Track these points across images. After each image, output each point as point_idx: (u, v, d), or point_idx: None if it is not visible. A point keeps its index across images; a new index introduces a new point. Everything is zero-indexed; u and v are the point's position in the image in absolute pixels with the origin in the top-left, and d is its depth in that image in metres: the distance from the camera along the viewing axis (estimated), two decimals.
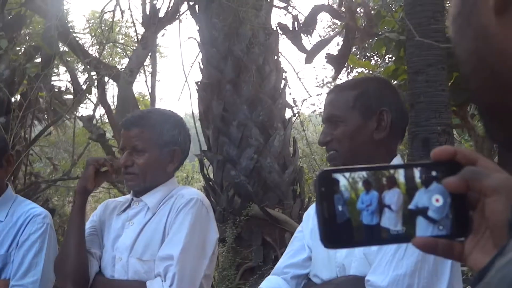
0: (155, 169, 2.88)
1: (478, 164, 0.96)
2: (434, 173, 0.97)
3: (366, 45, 10.54)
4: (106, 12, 10.65)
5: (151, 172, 2.87)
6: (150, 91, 9.90)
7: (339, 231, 0.95)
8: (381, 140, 2.29)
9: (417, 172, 0.97)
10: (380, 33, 7.99)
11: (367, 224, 0.95)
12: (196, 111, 8.73)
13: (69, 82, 10.80)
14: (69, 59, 10.92)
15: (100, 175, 2.99)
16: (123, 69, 9.69)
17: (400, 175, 0.97)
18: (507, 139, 0.82)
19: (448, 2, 9.01)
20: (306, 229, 2.52)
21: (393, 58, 8.21)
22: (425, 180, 0.97)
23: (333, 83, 16.68)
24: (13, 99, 8.84)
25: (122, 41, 16.48)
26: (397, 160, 2.37)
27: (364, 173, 0.96)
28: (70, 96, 11.23)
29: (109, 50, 16.58)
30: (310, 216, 2.54)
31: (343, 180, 0.94)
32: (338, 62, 7.93)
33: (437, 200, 0.96)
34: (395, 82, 7.97)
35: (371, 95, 2.34)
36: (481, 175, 0.93)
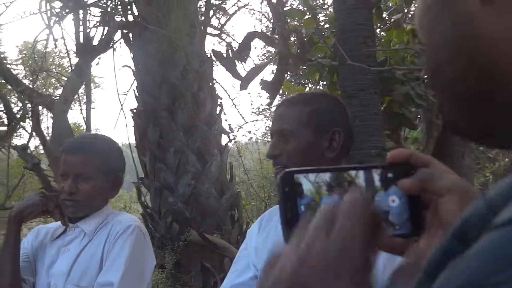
0: (98, 196, 2.85)
1: (431, 166, 1.00)
2: (390, 175, 1.00)
3: (300, 72, 10.64)
4: (39, 42, 10.58)
5: (94, 199, 2.84)
6: (85, 120, 9.84)
7: None
8: (331, 159, 2.26)
9: (376, 175, 1.00)
10: (313, 59, 8.08)
11: None
12: (132, 139, 8.72)
13: (2, 111, 10.64)
14: (2, 90, 10.77)
15: (42, 212, 2.91)
16: (57, 98, 9.61)
17: (360, 178, 0.99)
18: (474, 127, 0.85)
19: (377, 28, 9.22)
20: (250, 247, 2.48)
21: (327, 84, 8.31)
22: (384, 183, 1.00)
23: (268, 110, 16.83)
24: None
25: (56, 71, 16.35)
26: None
27: (326, 177, 0.98)
28: (3, 128, 11.07)
29: (42, 81, 16.42)
30: (254, 232, 2.50)
31: (306, 183, 0.97)
32: (272, 88, 8.01)
33: (393, 201, 1.00)
34: None
35: (324, 112, 2.31)
36: (435, 177, 0.97)
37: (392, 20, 8.82)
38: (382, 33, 9.51)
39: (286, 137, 2.28)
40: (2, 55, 10.85)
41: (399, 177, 1.00)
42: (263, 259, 2.36)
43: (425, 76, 7.07)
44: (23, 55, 15.60)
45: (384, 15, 9.35)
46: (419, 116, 8.31)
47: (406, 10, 8.81)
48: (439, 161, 1.02)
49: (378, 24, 9.11)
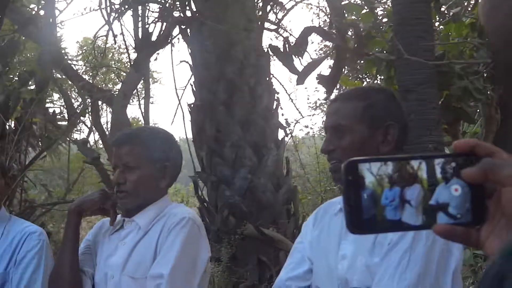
0: (147, 186, 2.88)
1: (496, 157, 1.00)
2: (453, 165, 1.01)
3: (357, 66, 10.60)
4: (99, 38, 10.74)
5: (143, 188, 2.87)
6: (143, 115, 9.96)
7: (364, 222, 0.99)
8: (385, 153, 2.24)
9: (438, 168, 1.01)
10: (370, 53, 8.03)
11: (390, 219, 0.99)
12: (190, 134, 8.78)
13: (63, 107, 10.84)
14: (63, 84, 10.97)
15: (100, 209, 3.00)
16: (116, 93, 9.75)
17: (423, 170, 1.01)
18: None
19: (436, 21, 9.12)
20: (305, 241, 2.49)
21: (384, 78, 8.25)
22: (445, 174, 1.01)
23: (325, 105, 16.77)
24: (7, 124, 8.88)
25: (115, 67, 16.54)
26: None
27: (389, 169, 1.00)
28: (64, 123, 11.26)
29: (102, 76, 16.65)
30: (309, 227, 2.51)
31: (369, 176, 0.99)
32: (329, 83, 7.99)
33: (455, 190, 1.01)
34: None
35: (379, 107, 2.30)
36: (499, 166, 0.97)
37: (451, 13, 8.72)
38: (440, 26, 9.40)
39: (341, 132, 2.27)
40: (63, 51, 11.02)
41: (463, 167, 1.01)
42: (318, 252, 2.40)
43: (485, 70, 6.98)
44: (83, 51, 15.85)
45: (442, 9, 9.24)
46: (478, 110, 8.20)
47: (465, 3, 8.70)
48: (504, 152, 1.02)
49: (437, 18, 9.01)
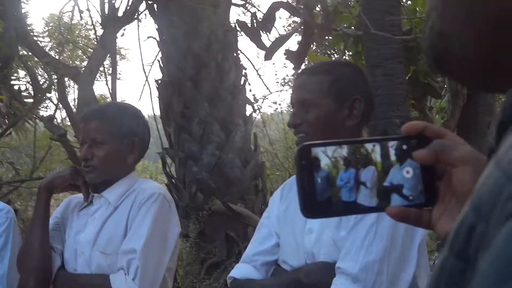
0: (115, 161, 2.89)
1: (446, 138, 1.03)
2: (405, 147, 1.03)
3: (325, 42, 10.60)
4: (65, 13, 10.63)
5: (111, 164, 2.88)
6: (111, 92, 9.89)
7: (319, 204, 1.00)
8: (351, 127, 2.28)
9: (391, 150, 1.03)
10: (338, 29, 8.05)
11: (345, 200, 1.00)
12: (158, 111, 8.75)
13: (29, 83, 10.73)
14: (28, 61, 10.85)
15: (71, 185, 2.99)
16: (83, 70, 9.66)
17: (376, 153, 1.02)
18: (480, 60, 0.76)
19: None
20: (272, 215, 2.51)
21: (352, 53, 8.28)
22: (399, 156, 1.03)
23: (293, 81, 16.80)
24: None
25: (82, 43, 16.40)
26: None
27: (343, 151, 1.01)
28: (30, 100, 11.16)
29: (69, 53, 16.49)
30: (276, 202, 2.53)
31: (324, 158, 0.99)
32: (297, 58, 7.99)
33: (407, 172, 1.03)
34: None
35: (345, 81, 2.32)
36: (449, 148, 1.00)
37: None
38: (408, 2, 9.44)
39: (307, 107, 2.29)
40: (28, 28, 10.89)
41: (414, 149, 1.02)
42: (285, 227, 2.42)
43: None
44: (50, 27, 15.67)
45: None
46: (445, 85, 8.26)
47: None
48: (453, 134, 1.07)
49: None
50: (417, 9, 7.98)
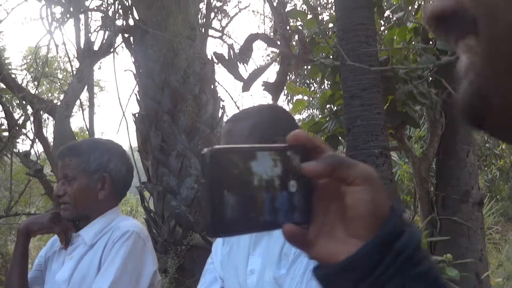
0: (85, 197, 2.87)
1: (327, 153, 0.94)
2: (290, 157, 0.94)
3: (303, 72, 10.63)
4: (41, 47, 10.57)
5: (81, 200, 2.86)
6: (88, 125, 9.83)
7: (227, 221, 0.89)
8: None
9: (278, 160, 0.93)
10: (315, 59, 8.05)
11: (252, 217, 0.90)
12: (135, 143, 8.71)
13: (4, 118, 10.65)
14: (4, 95, 10.79)
15: (49, 229, 2.96)
16: (59, 103, 9.61)
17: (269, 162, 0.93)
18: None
19: (380, 26, 9.18)
20: (216, 260, 2.51)
21: (330, 83, 8.28)
22: (285, 167, 0.93)
23: None
24: None
25: (60, 76, 16.35)
26: None
27: (252, 162, 0.91)
28: (6, 133, 11.08)
29: (47, 86, 16.45)
30: (219, 246, 2.53)
31: (234, 168, 0.90)
32: (275, 89, 7.99)
33: (292, 186, 0.93)
34: (333, 107, 8.04)
35: (265, 124, 2.35)
36: (348, 163, 0.91)
37: (394, 18, 8.78)
38: (384, 32, 9.48)
39: None
40: (4, 61, 10.83)
41: (300, 160, 0.94)
42: (228, 270, 2.42)
43: (429, 75, 7.03)
44: (27, 61, 15.63)
45: (387, 13, 9.32)
46: (423, 114, 8.27)
47: (409, 8, 8.77)
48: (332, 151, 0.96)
49: (381, 23, 9.07)
50: (394, 38, 7.99)
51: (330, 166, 0.90)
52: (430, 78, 7.19)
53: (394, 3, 9.51)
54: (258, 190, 0.91)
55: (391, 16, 9.56)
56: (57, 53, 10.73)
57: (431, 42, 7.38)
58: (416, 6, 9.00)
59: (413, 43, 7.73)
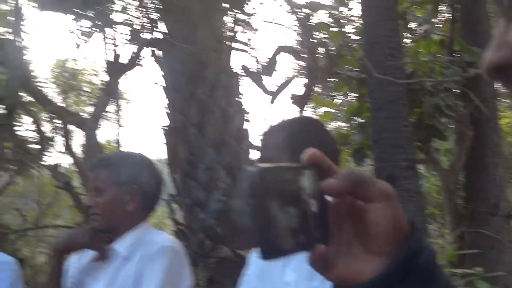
0: (114, 208, 2.89)
1: (338, 174, 0.92)
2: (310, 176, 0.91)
3: (329, 84, 10.63)
4: (69, 61, 10.68)
5: (110, 211, 2.88)
6: (115, 138, 9.92)
7: (278, 242, 0.88)
8: None
9: (303, 177, 0.90)
10: (341, 72, 8.07)
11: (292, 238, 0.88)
12: (163, 156, 8.75)
13: (34, 131, 10.75)
14: (33, 108, 10.88)
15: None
16: (88, 116, 9.70)
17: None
18: None
19: (405, 39, 9.17)
20: (252, 272, 2.51)
21: (356, 96, 8.29)
22: (308, 186, 0.90)
23: None
24: None
25: (85, 90, 16.46)
26: None
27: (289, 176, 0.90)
28: (36, 146, 11.18)
29: (75, 99, 16.56)
30: (254, 258, 2.54)
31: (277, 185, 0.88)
32: (301, 101, 8.02)
33: (313, 205, 0.90)
34: (359, 119, 8.04)
35: (300, 135, 2.35)
36: (369, 180, 0.90)
37: (420, 31, 8.78)
38: (410, 44, 9.47)
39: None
40: (32, 75, 10.93)
41: (318, 178, 0.91)
42: (264, 282, 2.42)
43: (455, 87, 7.02)
44: (55, 74, 15.75)
45: (411, 26, 9.30)
46: (450, 126, 8.24)
47: (434, 20, 8.76)
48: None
49: (406, 35, 9.06)
50: (420, 51, 7.99)
51: (352, 184, 0.90)
52: (457, 91, 7.16)
53: (419, 15, 9.50)
54: (299, 209, 0.89)
55: (416, 29, 9.56)
56: (85, 66, 10.80)
57: (457, 55, 7.36)
58: (442, 19, 8.98)
59: (438, 55, 7.71)
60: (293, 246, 0.89)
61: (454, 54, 7.42)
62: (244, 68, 8.56)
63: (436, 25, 8.75)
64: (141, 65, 9.41)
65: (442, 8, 8.64)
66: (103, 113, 9.83)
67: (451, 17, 7.75)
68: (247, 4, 9.20)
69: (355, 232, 0.93)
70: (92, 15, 8.92)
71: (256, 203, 0.87)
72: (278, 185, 0.88)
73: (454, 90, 7.09)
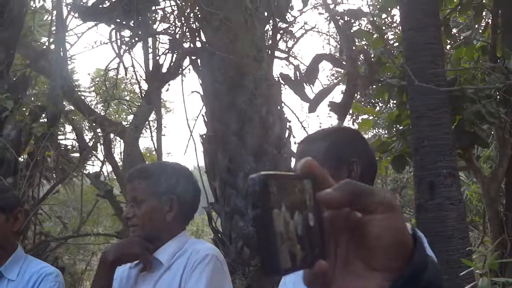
0: (154, 218, 2.91)
1: (330, 183, 0.87)
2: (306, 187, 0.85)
3: (369, 92, 10.59)
4: (110, 70, 10.76)
5: (150, 221, 2.90)
6: (156, 146, 9.96)
7: (282, 256, 0.79)
8: None
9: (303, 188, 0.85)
10: (381, 79, 8.03)
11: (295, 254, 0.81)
12: (202, 164, 8.77)
13: (75, 140, 10.87)
14: (75, 117, 11.01)
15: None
16: (128, 125, 9.77)
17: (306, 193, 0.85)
18: None
19: (447, 45, 9.10)
20: (288, 282, 2.49)
21: (396, 104, 8.25)
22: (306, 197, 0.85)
23: None
24: (20, 159, 8.88)
25: (127, 98, 16.61)
26: None
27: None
28: (77, 154, 11.30)
29: (115, 107, 16.71)
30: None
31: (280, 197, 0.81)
32: (341, 109, 7.99)
33: (311, 219, 0.84)
34: (399, 127, 8.01)
35: (340, 145, 2.39)
36: (369, 190, 0.84)
37: (462, 37, 8.71)
38: (452, 50, 9.39)
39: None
40: (74, 84, 11.07)
41: (313, 189, 0.85)
42: None
43: (497, 94, 6.95)
44: (96, 83, 15.91)
45: (453, 32, 9.23)
46: (492, 134, 8.17)
47: (476, 27, 8.68)
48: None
49: (448, 41, 9.00)
50: (461, 57, 7.92)
51: (350, 194, 0.84)
52: (499, 97, 7.10)
53: (461, 21, 9.43)
54: (301, 221, 0.83)
55: (457, 35, 9.48)
56: (126, 75, 10.89)
57: (499, 61, 7.29)
58: (483, 24, 8.91)
59: (480, 62, 7.66)
60: (295, 262, 0.81)
61: (496, 61, 7.35)
62: (284, 76, 8.55)
63: (478, 31, 8.67)
64: (183, 75, 9.45)
65: (484, 14, 8.56)
66: (145, 122, 9.90)
67: (493, 23, 7.68)
68: (288, 12, 9.20)
69: (354, 246, 0.87)
70: (133, 25, 9.00)
71: (258, 213, 0.79)
72: (280, 194, 0.81)
73: (496, 97, 7.01)
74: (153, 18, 9.59)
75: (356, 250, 0.86)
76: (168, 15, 9.73)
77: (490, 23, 8.11)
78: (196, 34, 9.11)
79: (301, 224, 0.82)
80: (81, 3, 9.09)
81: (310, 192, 0.85)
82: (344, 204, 0.84)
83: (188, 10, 9.16)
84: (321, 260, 0.83)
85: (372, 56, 8.17)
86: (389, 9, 9.99)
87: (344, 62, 8.26)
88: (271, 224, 0.78)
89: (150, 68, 9.37)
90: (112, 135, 9.96)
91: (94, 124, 9.46)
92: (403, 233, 0.84)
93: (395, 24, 12.62)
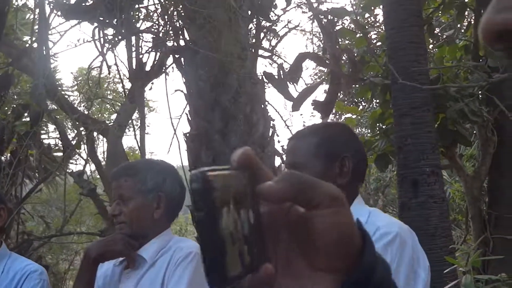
0: (141, 216, 2.92)
1: (268, 175, 0.80)
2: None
3: (352, 91, 10.61)
4: (93, 68, 10.72)
5: (137, 219, 2.90)
6: (139, 145, 9.93)
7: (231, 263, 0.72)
8: (343, 185, 2.30)
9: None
10: (365, 78, 8.05)
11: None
12: (186, 163, 8.75)
13: (58, 139, 10.83)
14: (57, 116, 10.96)
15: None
16: (111, 124, 9.74)
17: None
18: None
19: (429, 44, 9.13)
20: None
21: (379, 102, 8.27)
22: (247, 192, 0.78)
23: None
24: (2, 158, 8.84)
25: (110, 97, 16.56)
26: (358, 200, 2.43)
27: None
28: (60, 154, 11.26)
29: (98, 106, 16.65)
30: None
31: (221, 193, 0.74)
32: (324, 108, 7.98)
33: (251, 216, 0.77)
34: (383, 126, 8.03)
35: (331, 141, 2.41)
36: (312, 183, 0.77)
37: (444, 36, 8.74)
38: (434, 49, 9.43)
39: (298, 169, 2.25)
40: (57, 83, 11.02)
41: (250, 184, 0.79)
42: None
43: (480, 93, 6.98)
44: (78, 82, 15.85)
45: (436, 31, 9.27)
46: (474, 132, 8.21)
47: (458, 26, 8.72)
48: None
49: (430, 41, 9.03)
50: (444, 56, 7.96)
51: (293, 187, 0.76)
52: (481, 96, 7.14)
53: (444, 20, 9.46)
54: (245, 220, 0.76)
55: (440, 34, 9.52)
56: (109, 74, 10.84)
57: (482, 60, 7.33)
58: (465, 24, 8.95)
59: (463, 60, 7.69)
60: (244, 267, 0.73)
61: (479, 59, 7.39)
62: (266, 74, 8.55)
63: (460, 30, 8.71)
64: (167, 73, 9.43)
65: (466, 13, 8.60)
66: (128, 121, 9.87)
67: (475, 22, 7.72)
68: (271, 11, 9.20)
69: (296, 244, 0.80)
70: (116, 23, 8.96)
71: (203, 213, 0.71)
72: (226, 191, 0.74)
73: (478, 96, 7.05)
74: (137, 16, 9.56)
75: (300, 249, 0.80)
76: (151, 13, 9.70)
77: (472, 22, 8.15)
78: (180, 32, 9.08)
79: (247, 222, 0.76)
80: (64, 1, 9.04)
81: (249, 186, 0.79)
82: (286, 198, 0.77)
83: (172, 8, 9.14)
84: (267, 264, 0.76)
85: (355, 55, 8.19)
86: (372, 8, 10.01)
87: (327, 61, 8.26)
88: (218, 225, 0.71)
89: (134, 67, 9.33)
90: (95, 134, 9.92)
91: (77, 123, 9.42)
92: (349, 230, 0.78)
93: (378, 23, 12.66)
